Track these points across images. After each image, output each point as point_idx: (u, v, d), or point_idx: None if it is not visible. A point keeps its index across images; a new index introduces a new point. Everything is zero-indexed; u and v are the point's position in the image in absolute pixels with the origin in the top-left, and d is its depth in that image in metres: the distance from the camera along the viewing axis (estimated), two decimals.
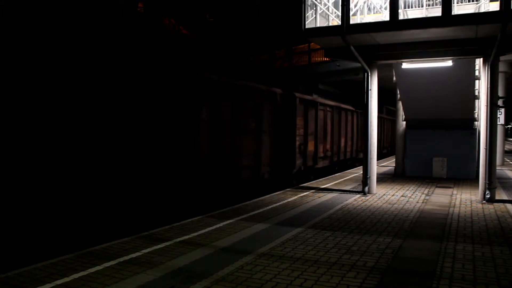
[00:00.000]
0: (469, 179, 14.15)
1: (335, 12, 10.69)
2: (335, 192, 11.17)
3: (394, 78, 14.19)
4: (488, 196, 9.69)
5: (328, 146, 16.86)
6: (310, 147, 14.97)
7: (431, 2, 11.61)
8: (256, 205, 9.16)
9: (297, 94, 13.99)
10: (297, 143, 13.87)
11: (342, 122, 18.48)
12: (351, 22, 9.60)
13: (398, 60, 10.73)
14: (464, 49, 9.75)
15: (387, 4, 9.98)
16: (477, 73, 13.31)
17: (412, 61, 10.48)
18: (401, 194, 10.98)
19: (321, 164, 16.06)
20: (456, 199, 10.24)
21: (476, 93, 14.30)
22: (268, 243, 6.03)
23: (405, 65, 10.89)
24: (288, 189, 11.70)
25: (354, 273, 4.80)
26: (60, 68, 6.42)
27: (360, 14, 10.70)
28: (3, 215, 5.67)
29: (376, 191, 11.12)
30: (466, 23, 8.67)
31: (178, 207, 8.51)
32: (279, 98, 12.73)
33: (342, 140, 18.71)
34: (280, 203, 9.43)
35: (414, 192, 11.34)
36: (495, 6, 9.34)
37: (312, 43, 23.64)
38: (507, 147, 40.36)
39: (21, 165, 5.89)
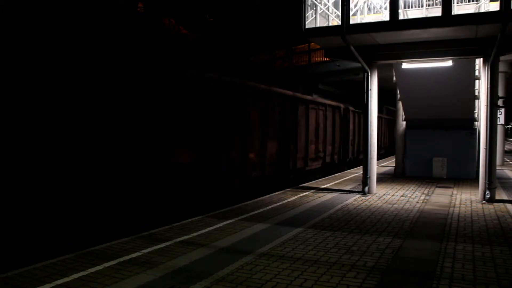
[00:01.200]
0: (469, 179, 14.15)
1: (335, 12, 10.69)
2: (335, 192, 11.17)
3: (394, 78, 14.19)
4: (488, 196, 9.68)
5: (234, 155, 10.48)
6: (184, 157, 8.85)
7: (431, 2, 11.61)
8: (256, 205, 9.16)
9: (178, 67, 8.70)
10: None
11: (277, 115, 12.50)
12: (351, 22, 9.59)
13: (398, 60, 10.73)
14: (464, 49, 9.75)
15: (387, 4, 9.97)
16: (477, 73, 13.31)
17: (412, 61, 10.48)
18: (401, 194, 10.97)
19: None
20: (456, 199, 10.24)
21: (476, 93, 14.30)
22: (268, 243, 6.02)
23: (405, 65, 10.89)
24: (288, 189, 11.70)
25: (354, 273, 4.80)
26: (64, 68, 6.42)
27: (360, 14, 10.69)
28: (3, 215, 5.66)
29: (376, 191, 11.12)
30: (466, 23, 8.67)
31: (179, 206, 8.51)
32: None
33: (271, 145, 12.31)
34: (280, 203, 9.43)
35: (414, 192, 11.34)
36: (495, 6, 9.33)
37: (312, 43, 23.64)
38: (507, 147, 40.35)
39: (22, 165, 5.89)
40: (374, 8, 11.46)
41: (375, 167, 11.09)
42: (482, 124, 9.86)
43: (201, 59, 20.68)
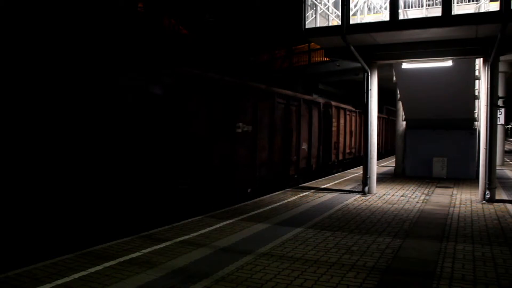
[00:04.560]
0: (469, 179, 14.15)
1: (335, 12, 10.69)
2: (335, 192, 11.17)
3: (394, 78, 14.19)
4: (488, 196, 9.68)
5: None
6: None
7: (431, 2, 11.61)
8: (256, 205, 9.16)
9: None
10: None
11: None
12: (351, 22, 9.60)
13: (398, 60, 10.73)
14: (464, 49, 9.75)
15: (387, 4, 9.98)
16: (477, 73, 13.31)
17: (412, 61, 10.48)
18: (401, 194, 10.97)
19: None
20: (456, 199, 10.24)
21: (476, 93, 14.30)
22: (268, 243, 6.02)
23: (405, 65, 10.89)
24: (288, 189, 11.70)
25: (354, 273, 4.80)
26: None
27: (360, 14, 10.70)
28: (3, 215, 5.66)
29: (376, 191, 11.12)
30: (466, 23, 8.68)
31: (180, 205, 8.50)
32: None
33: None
34: (280, 203, 9.43)
35: (414, 192, 11.34)
36: (495, 6, 9.34)
37: (312, 43, 23.63)
38: (507, 147, 40.36)
39: (22, 166, 5.88)
40: (374, 8, 11.47)
41: (375, 167, 11.09)
42: (482, 124, 9.86)
43: (201, 59, 20.69)
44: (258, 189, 11.19)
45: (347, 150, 18.89)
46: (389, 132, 28.97)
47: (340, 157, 17.89)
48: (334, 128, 16.72)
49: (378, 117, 24.68)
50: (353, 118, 19.78)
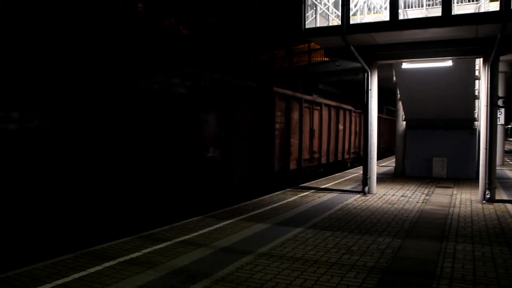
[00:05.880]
0: (469, 179, 14.15)
1: (335, 12, 10.69)
2: (335, 192, 11.17)
3: (394, 78, 14.19)
4: (488, 196, 9.68)
5: None
6: None
7: (431, 2, 11.62)
8: (256, 205, 9.16)
9: None
10: None
11: None
12: (351, 22, 9.61)
13: (398, 60, 10.73)
14: (464, 49, 9.75)
15: (387, 4, 9.98)
16: (477, 73, 13.32)
17: (412, 61, 10.48)
18: (401, 194, 10.97)
19: None
20: (456, 199, 10.24)
21: (476, 93, 14.31)
22: (268, 243, 6.03)
23: (405, 65, 10.90)
24: (288, 189, 11.70)
25: (354, 273, 4.80)
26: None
27: (360, 14, 10.70)
28: (3, 215, 5.66)
29: (376, 191, 11.12)
30: (466, 23, 8.68)
31: (179, 206, 8.50)
32: None
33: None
34: (280, 203, 9.43)
35: (414, 192, 11.34)
36: (495, 6, 9.35)
37: (312, 43, 23.64)
38: (507, 147, 40.36)
39: (22, 166, 5.88)
40: (374, 8, 11.48)
41: (375, 167, 11.09)
42: (482, 124, 9.87)
43: (201, 59, 20.70)
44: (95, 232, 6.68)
45: (306, 156, 14.11)
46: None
47: (293, 166, 13.22)
48: (279, 125, 12.25)
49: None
50: (317, 113, 14.98)
